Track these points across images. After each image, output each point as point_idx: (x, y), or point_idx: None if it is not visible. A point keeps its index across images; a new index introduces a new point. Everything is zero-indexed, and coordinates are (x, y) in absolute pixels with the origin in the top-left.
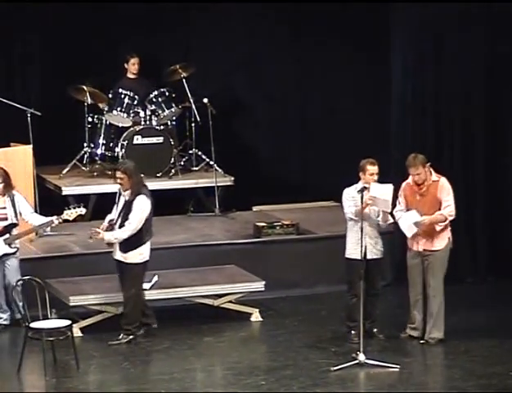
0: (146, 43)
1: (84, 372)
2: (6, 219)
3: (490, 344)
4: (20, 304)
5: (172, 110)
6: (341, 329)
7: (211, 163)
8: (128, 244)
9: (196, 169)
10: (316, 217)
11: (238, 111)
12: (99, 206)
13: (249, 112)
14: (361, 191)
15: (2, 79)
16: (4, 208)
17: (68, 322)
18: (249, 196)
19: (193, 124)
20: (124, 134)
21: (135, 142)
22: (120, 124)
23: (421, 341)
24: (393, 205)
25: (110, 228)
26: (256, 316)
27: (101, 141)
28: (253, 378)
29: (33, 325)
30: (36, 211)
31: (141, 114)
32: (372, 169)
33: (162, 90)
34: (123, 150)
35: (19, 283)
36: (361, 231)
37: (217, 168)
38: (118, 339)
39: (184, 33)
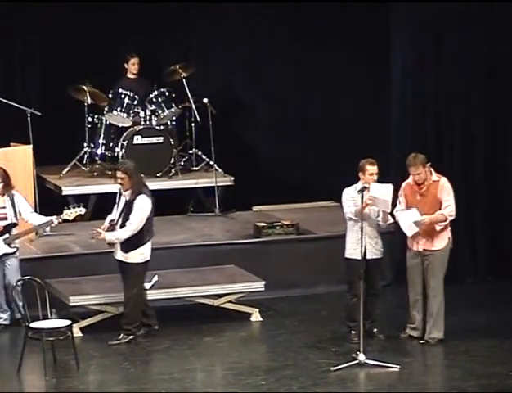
0: (146, 43)
1: (84, 372)
2: (5, 218)
3: (490, 344)
4: (20, 304)
5: (172, 110)
6: (341, 329)
7: (211, 163)
8: (129, 244)
9: (196, 169)
10: (316, 217)
11: (238, 111)
12: (99, 206)
13: (249, 112)
14: (361, 191)
15: (2, 79)
16: (4, 208)
17: (68, 322)
18: (249, 196)
19: (193, 124)
20: (124, 134)
21: (135, 142)
22: (120, 124)
23: (421, 341)
24: (393, 205)
25: (111, 228)
26: (256, 316)
27: (101, 141)
28: (253, 378)
29: (33, 325)
30: (36, 211)
31: (141, 114)
32: (372, 169)
33: (162, 90)
34: (123, 150)
35: (19, 283)
36: (361, 231)
37: (217, 168)
38: (118, 339)
39: (184, 33)
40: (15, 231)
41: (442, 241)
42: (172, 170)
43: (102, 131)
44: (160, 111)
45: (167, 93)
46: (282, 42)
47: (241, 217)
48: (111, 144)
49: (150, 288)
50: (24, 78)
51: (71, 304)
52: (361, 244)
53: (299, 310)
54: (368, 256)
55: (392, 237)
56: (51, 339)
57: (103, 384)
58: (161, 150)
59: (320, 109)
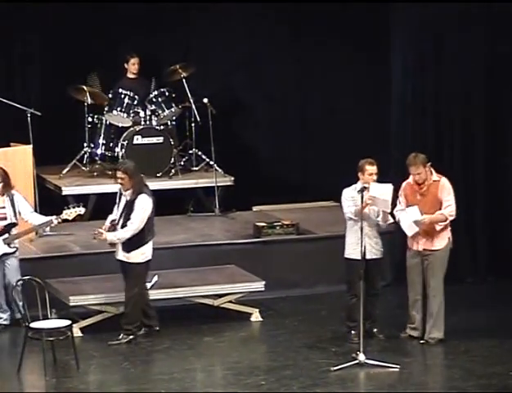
0: (146, 43)
1: (84, 372)
2: (5, 218)
3: (490, 344)
4: (20, 304)
5: (172, 110)
6: (341, 329)
7: (211, 163)
8: (131, 244)
9: (196, 169)
10: (316, 217)
11: (238, 111)
12: (99, 206)
13: (249, 112)
14: (361, 191)
15: (2, 79)
16: (3, 207)
17: (68, 322)
18: (249, 196)
19: (193, 124)
20: (124, 134)
21: (135, 142)
22: (120, 124)
23: (421, 341)
24: (393, 205)
25: (113, 228)
26: (256, 316)
27: (101, 141)
28: (253, 378)
29: (33, 325)
30: (36, 211)
31: (141, 114)
32: (371, 169)
33: (162, 90)
34: (123, 150)
35: (19, 283)
36: (361, 231)
37: (217, 168)
38: (118, 339)
39: (184, 33)
40: (14, 231)
41: (442, 241)
42: (172, 170)
43: (102, 131)
44: (160, 111)
45: (167, 93)
46: (282, 42)
47: (241, 217)
48: (111, 144)
49: (150, 288)
50: (24, 78)
51: (71, 304)
52: (361, 244)
53: (299, 310)
54: (368, 256)
55: (392, 236)
56: (51, 339)
57: (103, 384)
58: (161, 150)
59: (320, 109)
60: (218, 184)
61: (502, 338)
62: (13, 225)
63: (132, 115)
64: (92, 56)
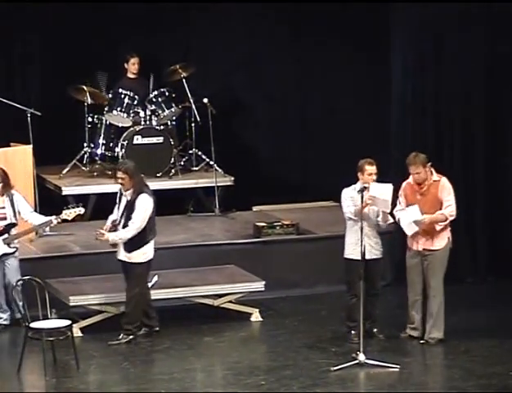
0: (146, 43)
1: (84, 372)
2: (5, 218)
3: (490, 344)
4: (20, 303)
5: (172, 110)
6: (341, 329)
7: (211, 163)
8: (133, 244)
9: (196, 169)
10: (316, 217)
11: (238, 111)
12: (99, 206)
13: (249, 112)
14: (361, 191)
15: (2, 79)
16: (3, 208)
17: (68, 322)
18: (249, 196)
19: (193, 124)
20: (124, 134)
21: (135, 142)
22: (120, 124)
23: (421, 341)
24: (393, 205)
25: (114, 228)
26: (256, 316)
27: (101, 141)
28: (253, 378)
29: (33, 325)
30: (36, 211)
31: (141, 114)
32: (370, 169)
33: (162, 90)
34: (123, 150)
35: (19, 283)
36: (361, 231)
37: (217, 168)
38: (118, 339)
39: (184, 33)
40: (14, 231)
41: (442, 241)
42: (172, 170)
43: (102, 131)
44: (160, 111)
45: (167, 93)
46: (282, 42)
47: (241, 217)
48: (111, 144)
49: (151, 288)
50: (24, 78)
51: (71, 304)
52: (360, 244)
53: (299, 310)
54: (368, 256)
55: (392, 236)
56: (51, 339)
57: (103, 384)
58: (161, 150)
59: (320, 109)
60: (218, 184)
61: (502, 338)
62: (13, 225)
63: (132, 115)
64: (92, 56)
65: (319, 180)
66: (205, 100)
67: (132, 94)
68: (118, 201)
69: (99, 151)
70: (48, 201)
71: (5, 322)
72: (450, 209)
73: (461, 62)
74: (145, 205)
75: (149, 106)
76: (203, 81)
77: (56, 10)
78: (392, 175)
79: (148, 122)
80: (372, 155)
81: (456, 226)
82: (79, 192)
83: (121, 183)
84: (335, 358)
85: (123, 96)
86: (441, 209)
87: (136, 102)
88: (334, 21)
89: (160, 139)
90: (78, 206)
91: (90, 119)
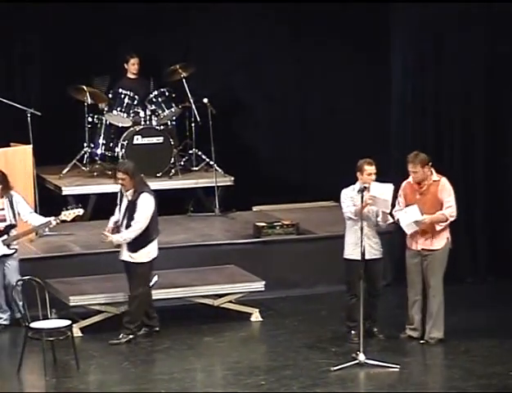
0: (146, 43)
1: (84, 372)
2: (4, 220)
3: (490, 344)
4: (20, 303)
5: (172, 110)
6: (341, 329)
7: (211, 163)
8: (137, 243)
9: (196, 169)
10: (316, 217)
11: (238, 111)
12: (99, 206)
13: (249, 112)
14: (361, 190)
15: (2, 79)
16: (2, 209)
17: (68, 322)
18: (249, 196)
19: (193, 124)
20: (124, 134)
21: (135, 142)
22: (120, 124)
23: (421, 341)
24: (394, 206)
25: (116, 229)
26: (256, 316)
27: (101, 141)
28: (253, 378)
29: (33, 325)
30: (36, 211)
31: (141, 114)
32: (370, 169)
33: (162, 90)
34: (123, 150)
35: (19, 283)
36: (361, 231)
37: (217, 168)
38: (118, 338)
39: (184, 33)
40: (13, 232)
41: (441, 241)
42: (172, 170)
43: (102, 131)
44: (160, 111)
45: (167, 93)
46: (282, 42)
47: (241, 217)
48: (111, 144)
49: (151, 288)
50: (24, 78)
51: (71, 304)
52: (360, 244)
53: (299, 310)
54: (367, 256)
55: (392, 236)
56: (51, 339)
57: (103, 384)
58: (161, 150)
59: (320, 109)
60: (218, 184)
61: (502, 338)
62: (12, 226)
63: (132, 115)
64: (92, 56)
65: (319, 180)
66: (205, 100)
67: (132, 94)
68: (119, 201)
69: (99, 151)
70: (48, 200)
71: (5, 323)
72: (451, 210)
73: (461, 62)
74: (146, 204)
75: (149, 106)
76: (203, 81)
77: (56, 10)
78: (392, 175)
79: (148, 122)
80: (372, 155)
81: (456, 226)
82: (79, 192)
83: (121, 184)
84: (335, 358)
85: (123, 96)
86: (441, 209)
87: (136, 102)
88: (334, 21)
89: (160, 139)
90: (77, 207)
91: (90, 119)
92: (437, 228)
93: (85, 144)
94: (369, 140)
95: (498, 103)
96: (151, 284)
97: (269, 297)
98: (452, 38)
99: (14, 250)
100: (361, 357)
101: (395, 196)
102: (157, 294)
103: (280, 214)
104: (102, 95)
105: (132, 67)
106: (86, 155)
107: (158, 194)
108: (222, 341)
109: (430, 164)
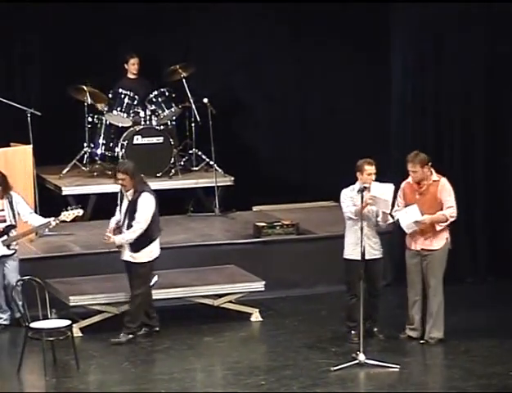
0: (146, 43)
1: (84, 372)
2: (4, 220)
3: (490, 344)
4: (20, 303)
5: (172, 110)
6: (341, 329)
7: (211, 163)
8: (139, 243)
9: (196, 169)
10: (316, 217)
11: (238, 111)
12: (99, 206)
13: (249, 112)
14: (361, 190)
15: (2, 79)
16: (2, 210)
17: (68, 322)
18: (249, 196)
19: (193, 124)
20: (124, 134)
21: (135, 142)
22: (120, 124)
23: (421, 341)
24: (393, 206)
25: (118, 230)
26: (256, 316)
27: (101, 141)
28: (253, 378)
29: (33, 325)
30: (36, 211)
31: (141, 114)
32: (370, 169)
33: (162, 90)
34: (123, 150)
35: (19, 283)
36: (361, 231)
37: (217, 168)
38: (118, 337)
39: (184, 33)
40: (13, 233)
41: (441, 241)
42: (172, 170)
43: (102, 131)
44: (160, 111)
45: (167, 93)
46: (282, 42)
47: (241, 217)
48: (111, 144)
49: (151, 288)
50: (24, 78)
51: (71, 304)
52: (360, 244)
53: (299, 310)
54: (367, 256)
55: (391, 237)
56: (51, 339)
57: (103, 384)
58: (161, 150)
59: (320, 109)
60: (218, 184)
61: (502, 338)
62: (12, 227)
63: (132, 115)
64: (92, 56)
65: (319, 180)
66: (205, 100)
67: (132, 94)
68: (119, 202)
69: (99, 151)
70: (48, 201)
71: (5, 323)
72: (451, 210)
73: (461, 62)
74: (147, 204)
75: (149, 106)
76: (203, 81)
77: (56, 10)
78: (392, 175)
79: (148, 122)
80: (372, 155)
81: (456, 226)
82: (79, 192)
83: (122, 184)
84: (335, 358)
85: (123, 96)
86: (441, 209)
87: (136, 102)
88: (334, 21)
89: (160, 139)
90: (76, 208)
91: (90, 119)
92: (438, 228)
93: (85, 144)
94: (369, 140)
95: (498, 103)
96: (151, 284)
97: (269, 297)
98: (452, 38)
99: (14, 251)
100: (361, 357)
101: (395, 196)
102: (157, 294)
103: (280, 214)
104: (102, 95)
105: (132, 67)
106: (86, 155)
107: (158, 194)
108: (222, 341)
109: (430, 164)
